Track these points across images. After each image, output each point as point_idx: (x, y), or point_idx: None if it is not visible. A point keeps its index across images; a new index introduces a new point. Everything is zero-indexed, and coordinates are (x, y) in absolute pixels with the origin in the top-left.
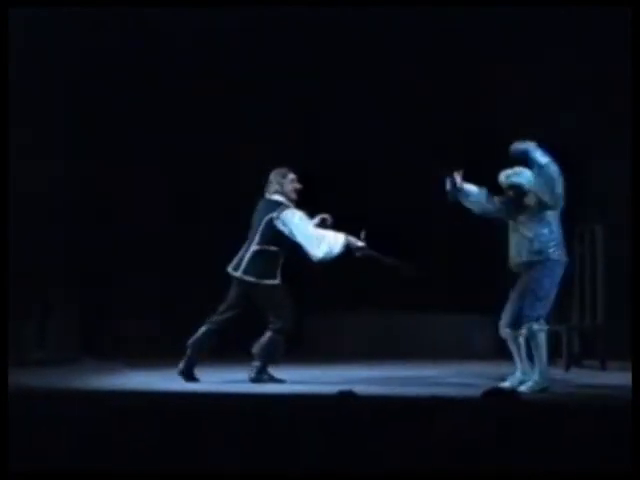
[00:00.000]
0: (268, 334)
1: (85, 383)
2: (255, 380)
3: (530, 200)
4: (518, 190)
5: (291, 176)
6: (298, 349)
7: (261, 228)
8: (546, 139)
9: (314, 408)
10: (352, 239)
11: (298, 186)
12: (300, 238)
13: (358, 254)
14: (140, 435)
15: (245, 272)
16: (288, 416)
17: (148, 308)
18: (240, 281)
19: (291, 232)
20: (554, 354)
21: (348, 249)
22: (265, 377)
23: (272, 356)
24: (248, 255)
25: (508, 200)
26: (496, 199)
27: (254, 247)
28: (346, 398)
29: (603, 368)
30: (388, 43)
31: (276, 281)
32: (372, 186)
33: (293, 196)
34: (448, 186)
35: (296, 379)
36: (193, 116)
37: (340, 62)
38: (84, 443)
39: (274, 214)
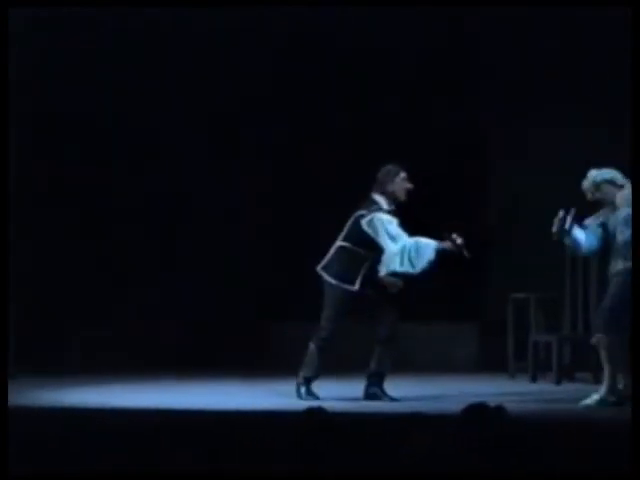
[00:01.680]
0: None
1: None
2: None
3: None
4: (612, 185)
5: (402, 175)
6: (264, 361)
7: (348, 224)
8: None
9: (278, 426)
10: (446, 243)
11: (409, 186)
12: (382, 245)
13: (467, 253)
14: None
15: (324, 268)
16: (250, 435)
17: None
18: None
19: (375, 237)
20: (544, 366)
21: (447, 256)
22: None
23: (312, 369)
24: (332, 251)
25: (602, 214)
26: (593, 227)
27: (338, 243)
28: (315, 415)
29: (597, 381)
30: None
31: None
32: None
33: (403, 197)
34: (556, 226)
35: (261, 393)
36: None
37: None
38: None
39: (364, 211)
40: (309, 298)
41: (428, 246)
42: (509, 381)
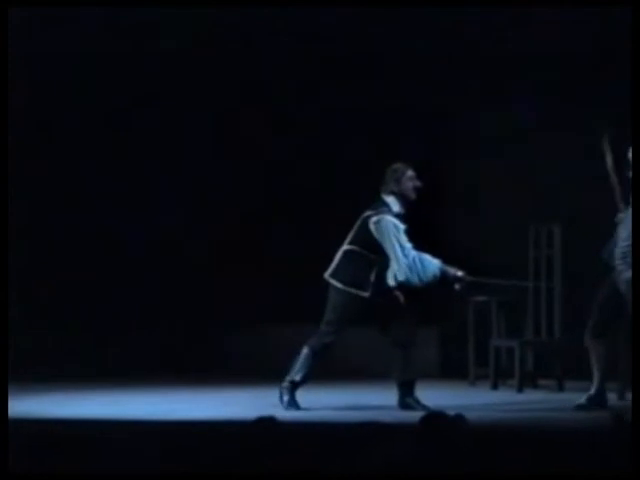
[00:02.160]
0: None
1: None
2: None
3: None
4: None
5: (409, 173)
6: (213, 368)
7: (356, 226)
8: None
9: (228, 436)
10: (450, 268)
11: (418, 184)
12: (389, 253)
13: (458, 286)
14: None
15: (333, 275)
16: (199, 445)
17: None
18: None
19: (382, 241)
20: (506, 373)
21: (444, 279)
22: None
23: (302, 374)
24: (339, 256)
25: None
26: None
27: (345, 247)
28: (266, 425)
29: (560, 389)
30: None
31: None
32: None
33: (412, 195)
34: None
35: (212, 403)
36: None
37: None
38: None
39: (371, 212)
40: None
41: (432, 262)
42: (469, 388)
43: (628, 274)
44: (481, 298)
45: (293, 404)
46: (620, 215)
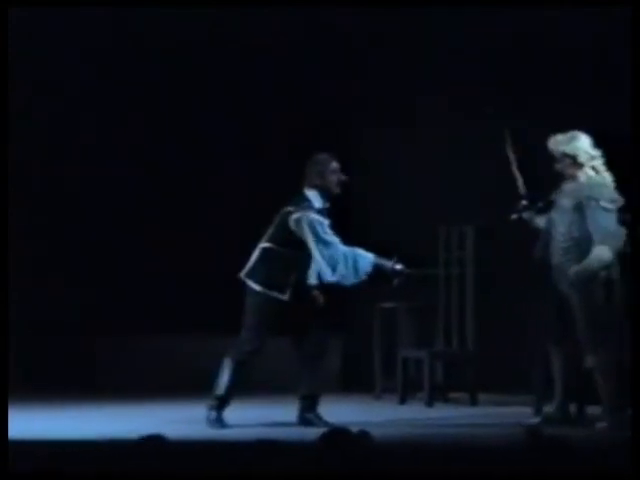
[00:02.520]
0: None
1: None
2: None
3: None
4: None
5: (333, 165)
6: (89, 382)
7: (275, 223)
8: None
9: (111, 456)
10: (386, 262)
11: (343, 177)
12: (313, 251)
13: (397, 281)
14: None
15: (249, 275)
16: (81, 466)
17: None
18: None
19: (305, 239)
20: (415, 386)
21: (381, 273)
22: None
23: (226, 387)
24: (255, 254)
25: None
26: None
27: (262, 244)
28: (153, 444)
29: (473, 403)
30: None
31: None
32: None
33: (336, 190)
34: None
35: (88, 420)
36: None
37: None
38: None
39: (292, 208)
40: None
41: (365, 258)
42: (375, 403)
43: (574, 269)
44: (388, 304)
45: (219, 422)
46: (553, 215)
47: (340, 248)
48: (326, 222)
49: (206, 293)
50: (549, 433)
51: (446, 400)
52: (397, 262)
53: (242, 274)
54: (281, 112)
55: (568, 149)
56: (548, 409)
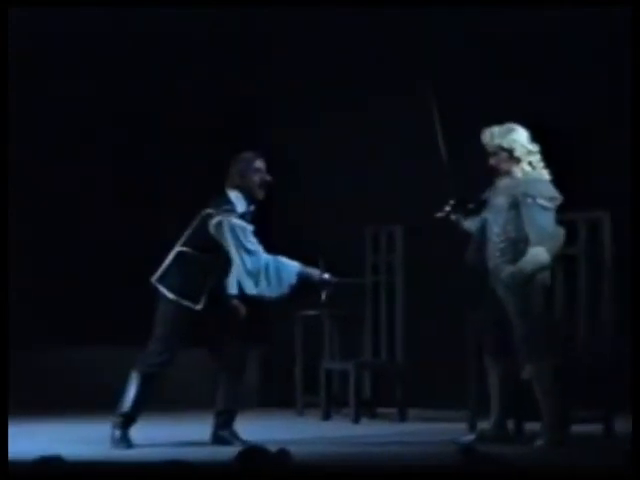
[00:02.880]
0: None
1: None
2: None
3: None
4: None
5: (257, 164)
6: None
7: (193, 225)
8: None
9: None
10: (313, 271)
11: (267, 178)
12: (234, 260)
13: (325, 295)
14: None
15: (160, 279)
16: None
17: None
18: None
19: (226, 246)
20: (340, 400)
21: (307, 284)
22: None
23: (132, 403)
24: (170, 258)
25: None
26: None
27: (178, 248)
28: (50, 465)
29: (402, 419)
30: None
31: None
32: None
33: (258, 193)
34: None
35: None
36: None
37: None
38: None
39: (212, 211)
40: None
41: (290, 268)
42: (296, 419)
43: (509, 270)
44: (310, 312)
45: (124, 441)
46: (487, 215)
47: (263, 258)
48: (249, 228)
49: (113, 302)
50: (484, 452)
51: (373, 416)
52: (324, 271)
53: (153, 279)
54: (201, 111)
55: (505, 142)
56: (484, 426)
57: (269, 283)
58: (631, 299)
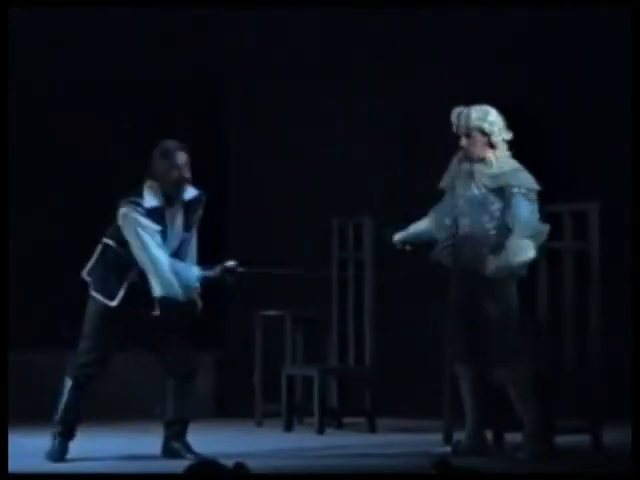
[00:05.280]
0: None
1: None
2: None
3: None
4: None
5: (179, 159)
6: None
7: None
8: None
9: None
10: (211, 271)
11: (187, 175)
12: (137, 257)
13: (230, 278)
14: None
15: (89, 272)
16: None
17: None
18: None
19: (129, 240)
20: (302, 410)
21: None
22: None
23: (67, 412)
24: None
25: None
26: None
27: (103, 239)
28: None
29: (371, 429)
30: None
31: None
32: None
33: (172, 191)
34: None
35: None
36: None
37: None
38: None
39: (123, 200)
40: None
41: (190, 271)
42: (255, 430)
43: (494, 263)
44: (272, 313)
45: (59, 453)
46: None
47: (164, 262)
48: (155, 228)
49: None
50: (460, 465)
51: (340, 426)
52: (229, 260)
53: (83, 272)
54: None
55: (484, 124)
56: (460, 437)
57: (174, 287)
58: (632, 299)
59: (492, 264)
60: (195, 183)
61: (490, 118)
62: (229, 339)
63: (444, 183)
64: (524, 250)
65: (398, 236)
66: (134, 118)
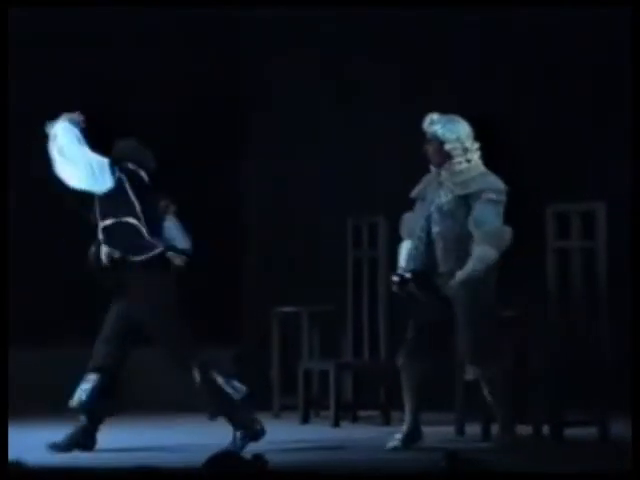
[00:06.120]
0: None
1: None
2: None
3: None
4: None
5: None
6: None
7: None
8: None
9: None
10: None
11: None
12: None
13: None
14: None
15: None
16: None
17: None
18: None
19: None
20: (319, 403)
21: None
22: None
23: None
24: None
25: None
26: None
27: None
28: (12, 471)
29: (386, 422)
30: None
31: None
32: None
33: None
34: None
35: None
36: None
37: None
38: None
39: None
40: None
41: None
42: (273, 422)
43: (460, 277)
44: (289, 309)
45: (89, 443)
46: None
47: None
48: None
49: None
50: (467, 457)
51: (355, 419)
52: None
53: None
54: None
55: (440, 131)
56: (399, 437)
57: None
58: (632, 299)
59: (457, 278)
60: (215, 183)
61: (450, 126)
62: (247, 335)
63: (414, 193)
64: (481, 257)
65: (396, 277)
66: (147, 118)
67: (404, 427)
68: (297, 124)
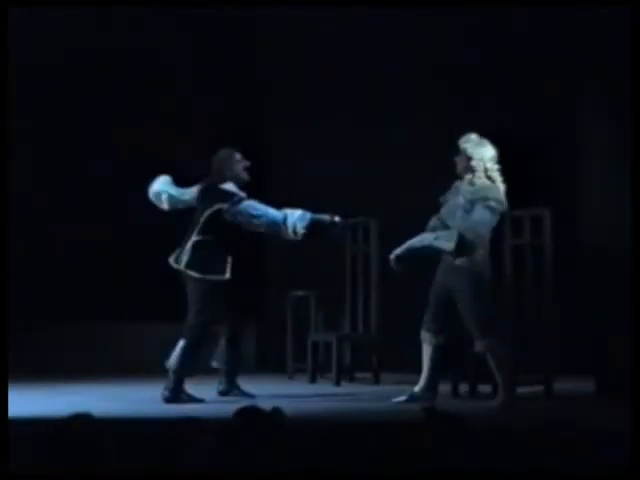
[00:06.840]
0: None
1: None
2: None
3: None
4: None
5: (237, 156)
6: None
7: (204, 219)
8: None
9: (41, 434)
10: (323, 216)
11: (247, 163)
12: (264, 226)
13: (338, 230)
14: None
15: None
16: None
17: None
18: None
19: (250, 223)
20: (324, 367)
21: (319, 228)
22: (183, 396)
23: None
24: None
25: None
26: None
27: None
28: (82, 421)
29: (376, 381)
30: None
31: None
32: None
33: (245, 176)
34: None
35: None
36: None
37: None
38: None
39: (224, 206)
40: None
41: (303, 215)
42: (288, 382)
43: (459, 262)
44: (300, 292)
45: (174, 395)
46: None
47: (279, 212)
48: (254, 202)
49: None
50: (442, 410)
51: (352, 379)
52: (333, 216)
53: (181, 266)
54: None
55: (469, 149)
56: (415, 389)
57: (294, 226)
58: (632, 293)
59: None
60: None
61: (479, 148)
62: (268, 313)
63: (442, 198)
64: (447, 240)
65: (396, 252)
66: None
67: (416, 387)
68: (299, 125)
